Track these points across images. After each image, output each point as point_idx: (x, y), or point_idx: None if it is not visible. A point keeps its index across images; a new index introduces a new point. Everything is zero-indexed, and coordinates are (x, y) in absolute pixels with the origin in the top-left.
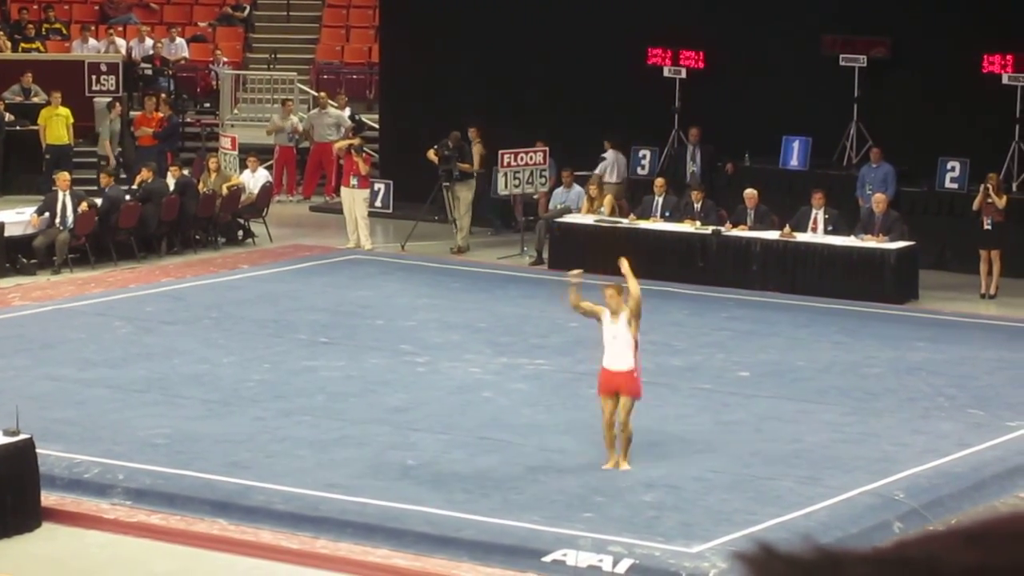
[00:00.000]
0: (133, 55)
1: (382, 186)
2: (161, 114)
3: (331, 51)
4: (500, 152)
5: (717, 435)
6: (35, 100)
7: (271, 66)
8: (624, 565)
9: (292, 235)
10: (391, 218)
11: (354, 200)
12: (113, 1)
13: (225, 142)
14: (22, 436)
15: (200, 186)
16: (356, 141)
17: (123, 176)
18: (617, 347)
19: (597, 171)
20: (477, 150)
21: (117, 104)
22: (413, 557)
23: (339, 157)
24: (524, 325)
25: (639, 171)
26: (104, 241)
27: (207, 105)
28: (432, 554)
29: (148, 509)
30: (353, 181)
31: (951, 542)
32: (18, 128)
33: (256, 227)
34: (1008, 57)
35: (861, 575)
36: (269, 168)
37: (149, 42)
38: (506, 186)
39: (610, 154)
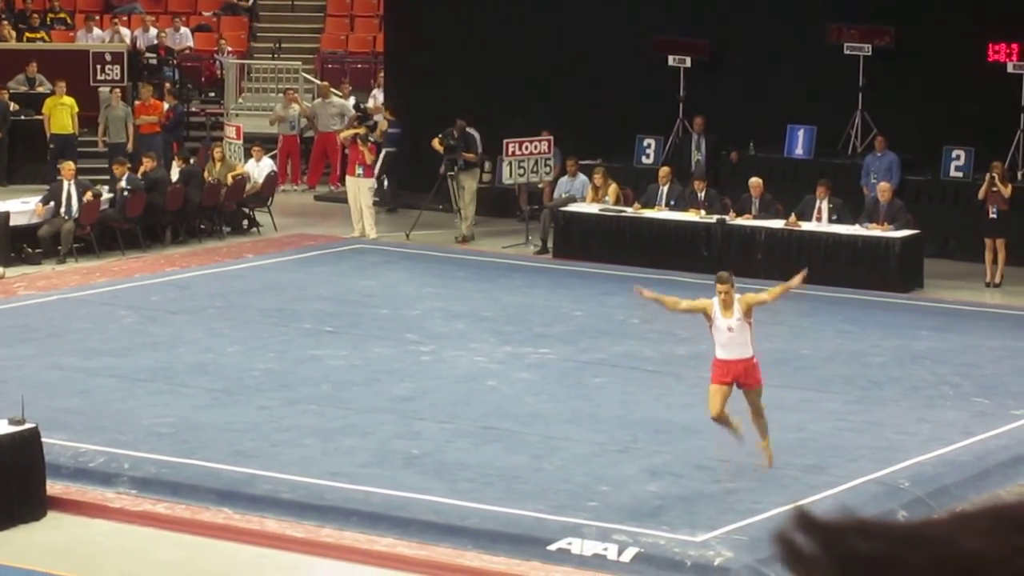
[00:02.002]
0: (137, 44)
1: (387, 175)
2: (166, 104)
3: (336, 40)
4: (505, 141)
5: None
6: (40, 90)
7: (276, 55)
8: (629, 554)
9: (297, 224)
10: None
11: (359, 189)
12: None
13: (230, 131)
14: (28, 425)
15: (205, 175)
16: (361, 130)
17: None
18: (735, 338)
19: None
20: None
21: (116, 91)
22: (418, 546)
23: (344, 146)
24: (528, 314)
25: (644, 160)
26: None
27: (212, 95)
28: (437, 543)
29: (153, 498)
30: (358, 170)
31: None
32: (23, 118)
33: (261, 216)
34: (1013, 46)
35: (874, 550)
36: (274, 158)
37: (153, 31)
38: (511, 175)
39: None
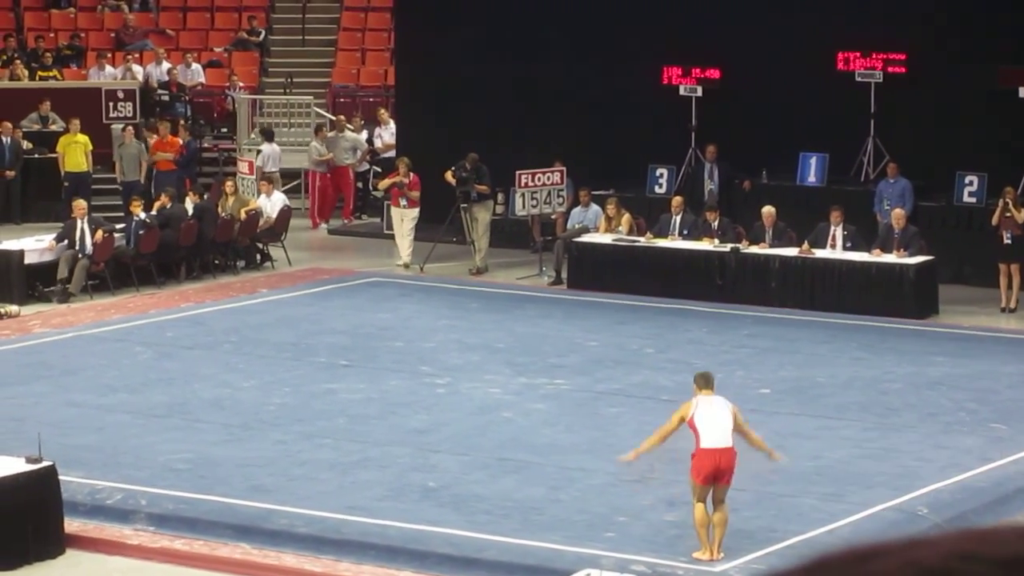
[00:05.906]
0: (150, 80)
1: None
2: (180, 140)
3: (347, 74)
4: (517, 172)
5: (738, 453)
6: (53, 128)
7: (287, 90)
8: None
9: (310, 258)
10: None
11: (403, 219)
12: (129, 27)
13: (242, 166)
14: (44, 463)
15: (218, 210)
16: (399, 179)
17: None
18: (720, 421)
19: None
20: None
21: (129, 128)
22: None
23: (386, 192)
24: (543, 345)
25: (656, 190)
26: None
27: (224, 130)
28: (454, 575)
29: (171, 534)
30: (402, 202)
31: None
32: (36, 156)
33: (275, 251)
34: None
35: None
36: (287, 192)
37: (166, 66)
38: (524, 206)
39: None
